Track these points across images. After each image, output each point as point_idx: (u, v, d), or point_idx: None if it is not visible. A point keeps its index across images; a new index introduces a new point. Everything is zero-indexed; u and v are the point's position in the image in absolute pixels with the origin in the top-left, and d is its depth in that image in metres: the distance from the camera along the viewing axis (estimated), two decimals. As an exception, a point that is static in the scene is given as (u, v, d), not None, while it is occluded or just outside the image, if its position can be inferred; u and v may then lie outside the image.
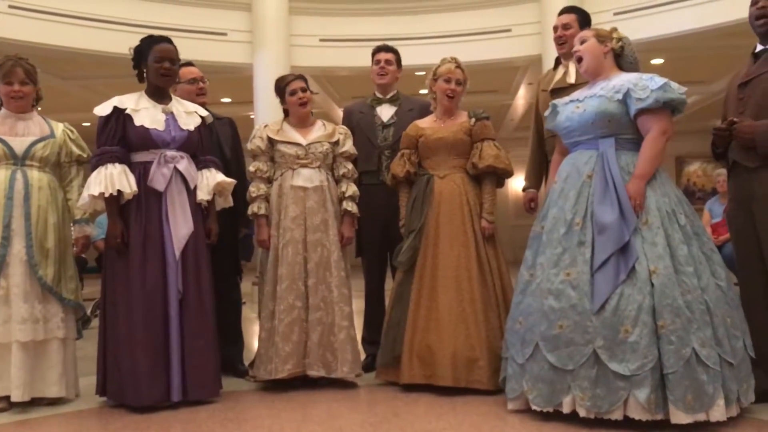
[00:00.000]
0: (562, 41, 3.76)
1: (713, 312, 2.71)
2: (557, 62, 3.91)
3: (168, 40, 3.44)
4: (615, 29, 3.15)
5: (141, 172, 3.27)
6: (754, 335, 2.90)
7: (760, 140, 2.97)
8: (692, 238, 2.82)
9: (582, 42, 3.11)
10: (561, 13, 3.85)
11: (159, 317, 3.20)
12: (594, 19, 8.94)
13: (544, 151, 3.91)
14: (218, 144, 3.99)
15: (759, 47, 3.16)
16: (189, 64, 4.14)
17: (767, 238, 3.02)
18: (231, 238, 3.98)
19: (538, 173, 3.99)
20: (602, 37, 3.09)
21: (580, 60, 3.11)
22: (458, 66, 3.69)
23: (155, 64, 3.36)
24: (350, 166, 3.84)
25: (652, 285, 2.69)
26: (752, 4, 3.15)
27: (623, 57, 3.12)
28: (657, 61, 9.30)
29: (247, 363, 4.04)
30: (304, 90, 3.77)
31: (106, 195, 3.20)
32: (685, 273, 2.72)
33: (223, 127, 4.11)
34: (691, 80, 7.25)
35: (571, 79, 3.68)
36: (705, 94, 11.00)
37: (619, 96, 2.94)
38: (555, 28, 3.83)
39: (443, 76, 3.67)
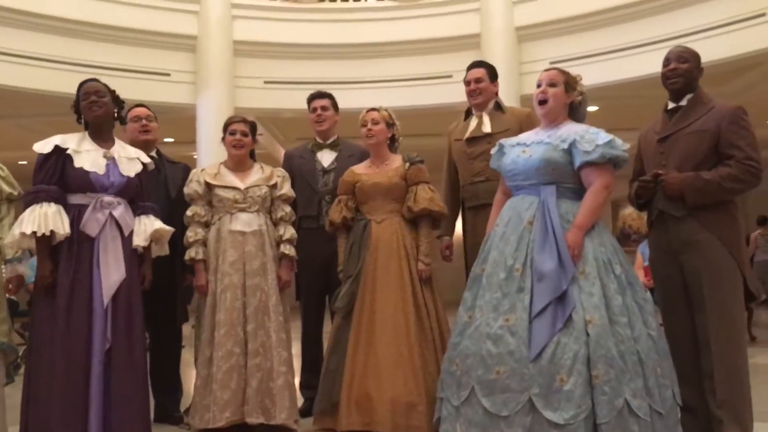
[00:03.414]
0: (476, 93, 3.90)
1: (645, 362, 2.75)
2: (468, 113, 4.04)
3: (95, 79, 3.41)
4: (580, 79, 3.20)
5: (75, 215, 3.17)
6: (680, 381, 2.96)
7: (687, 191, 3.09)
8: (627, 288, 2.88)
9: (551, 84, 3.12)
10: (471, 67, 4.00)
11: (80, 366, 3.05)
12: (530, 68, 9.28)
13: (458, 198, 4.02)
14: (165, 184, 3.95)
15: (671, 104, 3.30)
16: (139, 105, 4.14)
17: (694, 285, 3.12)
18: (171, 285, 3.90)
19: (452, 221, 4.09)
20: (569, 86, 3.13)
21: (543, 102, 3.12)
22: (372, 109, 3.77)
23: (82, 102, 3.32)
24: (288, 209, 3.83)
25: (588, 335, 2.71)
26: (664, 66, 3.29)
27: (577, 110, 3.19)
28: (592, 108, 9.60)
29: (183, 409, 3.95)
30: (244, 134, 3.77)
31: (38, 234, 3.09)
32: (619, 323, 2.76)
33: (175, 170, 4.08)
34: (624, 127, 7.49)
35: (487, 128, 3.83)
36: (638, 140, 11.39)
37: (565, 145, 3.00)
38: (468, 83, 3.94)
39: (361, 124, 3.75)
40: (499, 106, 3.94)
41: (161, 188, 3.91)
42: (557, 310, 2.77)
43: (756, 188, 3.16)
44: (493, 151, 3.35)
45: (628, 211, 15.34)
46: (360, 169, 3.81)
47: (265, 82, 9.58)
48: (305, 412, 3.87)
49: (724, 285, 3.07)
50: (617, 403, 2.64)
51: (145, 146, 3.89)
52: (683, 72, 3.23)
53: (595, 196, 2.96)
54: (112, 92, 3.38)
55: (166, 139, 11.44)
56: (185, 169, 4.13)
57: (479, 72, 3.94)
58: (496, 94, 3.99)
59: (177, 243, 3.71)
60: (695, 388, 3.10)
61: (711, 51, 7.56)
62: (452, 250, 4.08)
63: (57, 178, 3.19)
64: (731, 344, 3.06)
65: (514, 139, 3.26)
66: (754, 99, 9.44)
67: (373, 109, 3.78)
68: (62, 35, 8.47)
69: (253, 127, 3.85)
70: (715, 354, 3.04)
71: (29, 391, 3.13)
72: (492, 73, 3.97)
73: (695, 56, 3.29)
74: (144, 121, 4.03)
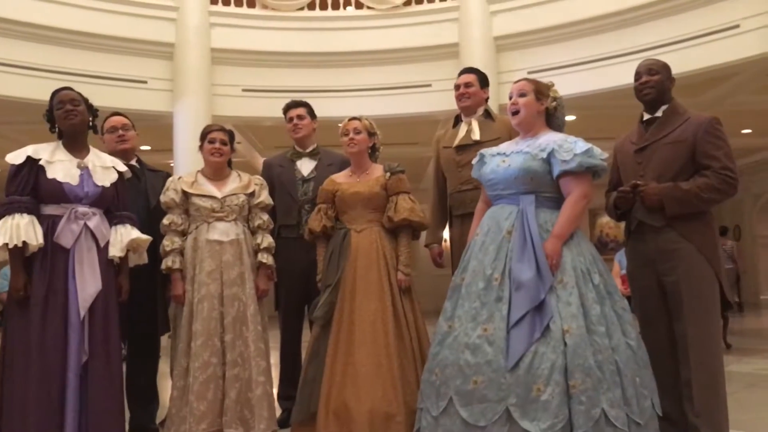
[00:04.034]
0: (465, 98, 3.95)
1: (623, 372, 2.76)
2: (457, 120, 4.06)
3: (68, 88, 3.38)
4: (553, 85, 3.22)
5: (49, 226, 3.13)
6: (659, 390, 2.97)
7: (667, 202, 3.12)
8: (605, 298, 2.88)
9: (521, 94, 3.14)
10: (462, 73, 4.06)
11: (56, 380, 3.00)
12: (508, 78, 9.34)
13: (446, 206, 4.04)
14: (145, 193, 3.92)
15: (646, 115, 3.34)
16: (116, 114, 4.10)
17: (673, 294, 3.15)
18: (151, 295, 3.85)
19: (440, 228, 4.11)
20: (540, 94, 3.14)
21: (515, 113, 3.14)
22: (353, 118, 3.77)
23: (57, 111, 3.28)
24: (266, 217, 3.81)
25: (566, 344, 2.71)
26: (635, 80, 3.35)
27: (554, 117, 3.20)
28: (569, 117, 9.67)
29: (159, 420, 3.90)
30: (224, 143, 3.75)
31: (10, 246, 3.04)
32: (597, 333, 2.76)
33: (156, 178, 4.03)
34: (601, 136, 7.55)
35: (476, 135, 3.85)
36: (613, 150, 11.47)
37: (544, 155, 3.01)
38: (457, 87, 3.99)
39: (342, 133, 3.75)
40: (488, 114, 3.96)
41: (141, 197, 3.88)
42: (535, 320, 2.77)
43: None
44: (474, 161, 3.35)
45: (605, 219, 15.48)
46: (340, 178, 3.80)
47: (243, 90, 9.55)
48: (283, 422, 3.84)
49: (702, 293, 3.11)
50: (594, 413, 2.63)
51: (123, 155, 3.87)
52: (655, 83, 3.28)
53: (573, 206, 2.97)
54: (86, 100, 3.35)
55: (142, 147, 11.37)
56: (167, 177, 4.09)
57: (469, 77, 3.99)
58: (486, 101, 4.02)
59: (158, 252, 3.68)
60: (672, 396, 3.12)
61: (686, 62, 7.68)
62: (443, 257, 4.07)
63: (30, 189, 3.15)
64: (709, 352, 3.09)
65: (494, 149, 3.27)
66: (729, 109, 9.58)
67: (355, 118, 3.77)
68: (38, 42, 8.38)
69: (231, 136, 3.84)
70: (694, 362, 3.07)
71: (3, 404, 3.08)
72: (482, 80, 4.02)
73: (664, 67, 3.33)
74: (120, 131, 3.99)
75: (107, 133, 3.99)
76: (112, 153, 3.81)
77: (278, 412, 3.87)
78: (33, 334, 3.02)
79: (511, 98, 3.19)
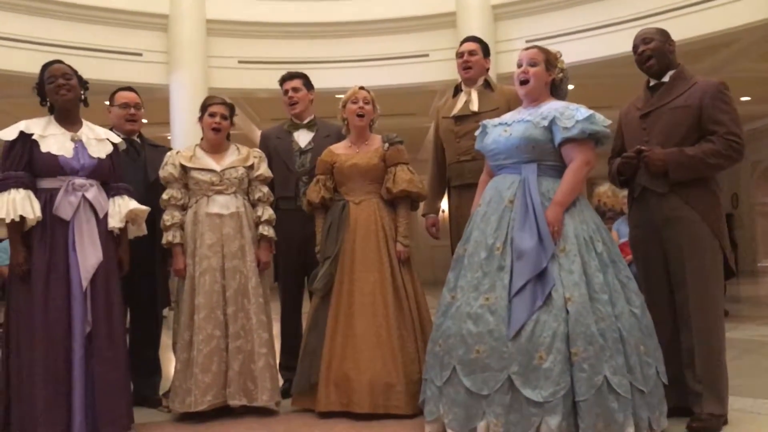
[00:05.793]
0: (467, 66, 3.90)
1: (626, 340, 2.75)
2: (457, 90, 4.02)
3: (59, 61, 3.34)
4: (560, 55, 3.18)
5: (47, 199, 3.12)
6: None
7: (672, 167, 3.08)
8: (608, 266, 2.87)
9: (531, 64, 3.10)
10: (465, 41, 4.01)
11: (61, 351, 3.02)
12: (506, 47, 9.27)
13: (444, 177, 4.02)
14: (144, 168, 3.91)
15: (653, 81, 3.30)
16: (128, 89, 4.07)
17: (676, 261, 3.14)
18: (150, 267, 3.85)
19: (438, 198, 4.10)
20: (550, 64, 3.11)
21: (525, 81, 3.10)
22: (362, 88, 3.74)
23: (49, 86, 3.25)
24: (266, 189, 3.80)
25: (567, 312, 2.70)
26: (634, 53, 3.31)
27: (559, 88, 3.18)
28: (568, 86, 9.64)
29: (161, 392, 3.92)
30: (224, 118, 3.72)
31: (8, 221, 3.04)
32: (600, 301, 2.75)
33: (156, 152, 4.00)
34: (599, 105, 7.50)
35: (474, 107, 3.82)
36: (613, 118, 11.42)
37: (545, 123, 2.98)
38: (461, 54, 3.94)
39: (349, 99, 3.71)
40: (488, 84, 3.93)
41: (140, 171, 3.86)
42: (536, 288, 2.77)
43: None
44: (477, 132, 3.33)
45: (603, 188, 15.37)
46: (339, 149, 3.77)
47: (239, 62, 9.49)
48: (284, 393, 3.85)
49: (705, 261, 3.09)
50: (596, 381, 2.64)
51: (128, 132, 3.86)
52: (652, 51, 3.23)
53: (575, 173, 2.95)
54: (76, 72, 3.32)
55: (139, 120, 11.30)
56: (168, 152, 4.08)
57: (473, 45, 3.95)
58: (487, 71, 3.99)
59: (158, 226, 3.67)
60: (670, 363, 3.12)
61: (686, 28, 7.62)
62: (438, 227, 4.07)
63: (25, 164, 3.14)
64: (711, 320, 3.08)
65: (497, 119, 3.25)
66: (728, 77, 9.52)
67: (363, 88, 3.74)
68: (32, 14, 8.32)
69: (232, 110, 3.81)
70: (696, 329, 3.07)
71: (11, 377, 3.09)
72: (485, 49, 3.98)
73: (660, 32, 3.29)
74: (132, 110, 3.98)
75: (117, 108, 3.96)
76: (117, 127, 3.81)
77: (280, 382, 3.89)
78: (36, 307, 3.03)
79: (520, 66, 3.14)
